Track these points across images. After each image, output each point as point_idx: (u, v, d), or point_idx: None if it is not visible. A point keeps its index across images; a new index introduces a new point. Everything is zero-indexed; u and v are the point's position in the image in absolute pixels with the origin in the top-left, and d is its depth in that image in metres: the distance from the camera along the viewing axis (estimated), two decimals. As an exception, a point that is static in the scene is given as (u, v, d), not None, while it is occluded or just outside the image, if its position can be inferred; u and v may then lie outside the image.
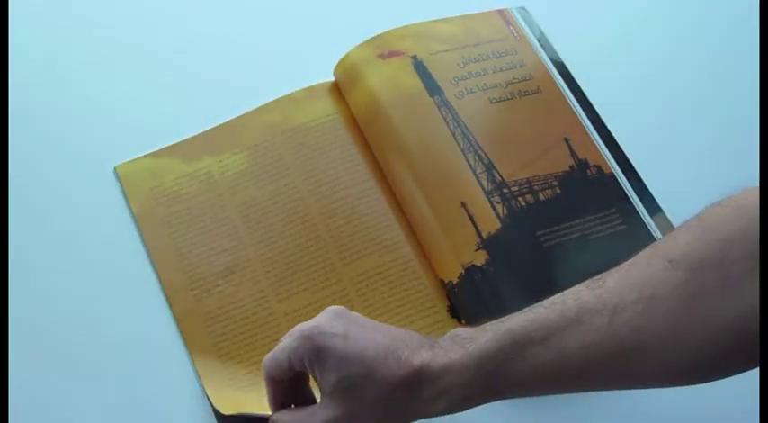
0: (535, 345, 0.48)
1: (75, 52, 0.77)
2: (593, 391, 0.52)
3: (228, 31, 0.80)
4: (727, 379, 0.63)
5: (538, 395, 0.54)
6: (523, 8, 0.82)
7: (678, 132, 0.77)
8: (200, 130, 0.73)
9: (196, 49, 0.78)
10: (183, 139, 0.73)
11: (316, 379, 0.52)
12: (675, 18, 0.85)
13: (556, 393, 0.53)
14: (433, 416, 0.51)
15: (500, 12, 0.81)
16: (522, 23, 0.81)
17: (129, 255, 0.68)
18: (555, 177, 0.71)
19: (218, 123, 0.74)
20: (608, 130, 0.75)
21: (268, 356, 0.54)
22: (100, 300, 0.66)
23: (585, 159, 0.73)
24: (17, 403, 0.59)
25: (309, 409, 0.53)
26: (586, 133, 0.75)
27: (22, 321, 0.63)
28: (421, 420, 0.52)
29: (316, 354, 0.51)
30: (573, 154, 0.73)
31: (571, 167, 0.72)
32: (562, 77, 0.78)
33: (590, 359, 0.47)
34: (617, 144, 0.75)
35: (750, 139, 0.75)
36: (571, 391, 0.53)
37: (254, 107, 0.74)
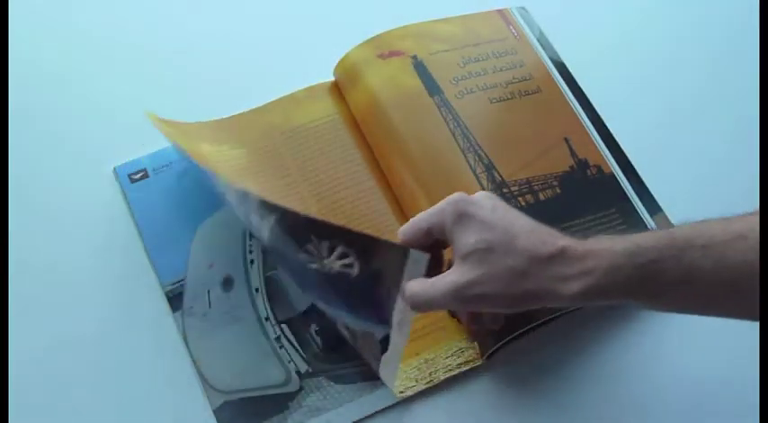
0: (695, 249, 0.46)
1: (75, 52, 0.77)
2: (733, 315, 0.49)
3: (228, 31, 0.80)
4: (725, 378, 0.63)
5: (675, 308, 0.51)
6: (523, 8, 0.82)
7: (678, 132, 0.77)
8: (201, 130, 0.73)
9: (196, 49, 0.78)
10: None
11: (452, 245, 0.51)
12: (675, 18, 0.85)
13: (692, 310, 0.50)
14: (562, 301, 0.49)
15: (500, 12, 0.82)
16: (522, 23, 0.81)
17: (128, 254, 0.68)
18: (555, 177, 0.71)
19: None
20: (608, 130, 0.75)
21: (406, 224, 0.54)
22: (99, 299, 0.66)
23: (585, 159, 0.73)
24: (17, 403, 0.59)
25: (438, 276, 0.51)
26: (586, 133, 0.75)
27: (22, 321, 0.63)
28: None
29: (459, 216, 0.50)
30: (573, 154, 0.73)
31: (571, 167, 0.72)
32: (562, 77, 0.78)
33: (750, 275, 0.45)
34: (617, 144, 0.75)
35: (750, 139, 0.76)
36: (709, 311, 0.50)
37: (255, 107, 0.74)
